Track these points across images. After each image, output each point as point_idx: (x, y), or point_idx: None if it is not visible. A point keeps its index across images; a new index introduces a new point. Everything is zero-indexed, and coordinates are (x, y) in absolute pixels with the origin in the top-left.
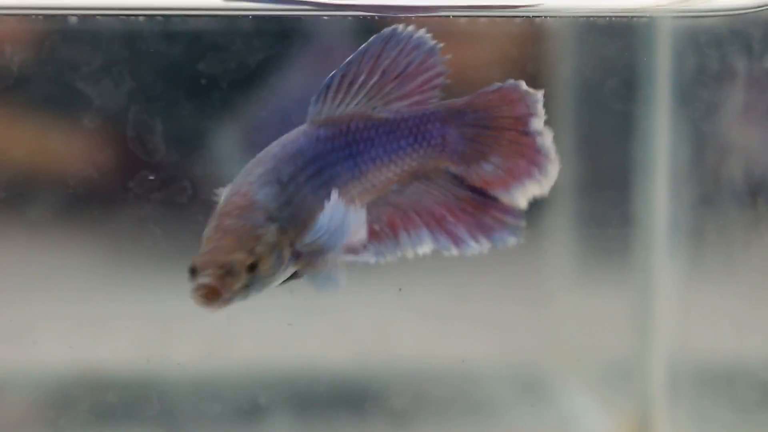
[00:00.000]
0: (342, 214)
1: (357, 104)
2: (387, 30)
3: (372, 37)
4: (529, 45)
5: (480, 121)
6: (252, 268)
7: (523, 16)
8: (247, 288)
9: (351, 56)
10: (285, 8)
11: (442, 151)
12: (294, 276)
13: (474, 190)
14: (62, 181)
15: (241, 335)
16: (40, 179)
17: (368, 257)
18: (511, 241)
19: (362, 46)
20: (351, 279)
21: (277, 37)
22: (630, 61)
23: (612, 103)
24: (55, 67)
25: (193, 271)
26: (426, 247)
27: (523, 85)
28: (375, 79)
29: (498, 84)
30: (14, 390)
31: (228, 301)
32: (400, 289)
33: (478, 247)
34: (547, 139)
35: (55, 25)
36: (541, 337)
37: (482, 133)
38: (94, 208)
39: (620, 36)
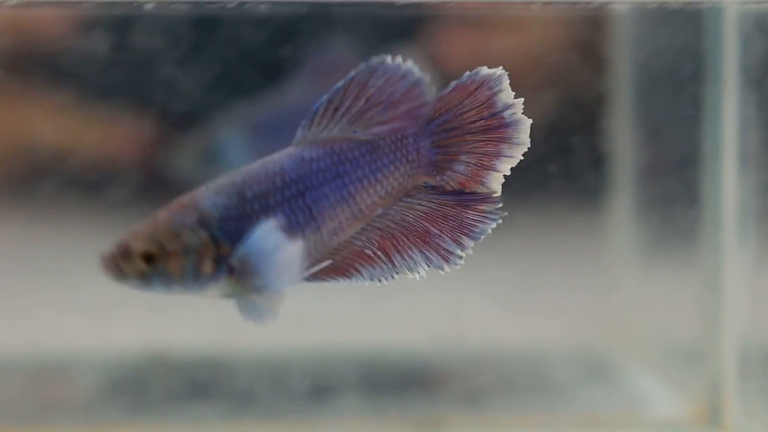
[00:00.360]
0: (274, 241)
1: (340, 129)
2: (375, 59)
3: (360, 65)
4: (598, 30)
5: (446, 124)
6: (149, 259)
7: (595, 3)
8: (146, 277)
9: (339, 83)
10: None
11: (419, 165)
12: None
13: (452, 193)
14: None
15: (315, 317)
16: (116, 165)
17: (363, 281)
18: (492, 227)
19: (350, 73)
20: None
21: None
22: (699, 46)
23: (681, 87)
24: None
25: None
26: (421, 269)
27: (483, 70)
28: (359, 105)
29: (454, 82)
30: (91, 371)
31: (123, 280)
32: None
33: (463, 252)
34: (515, 109)
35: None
36: (610, 321)
37: (449, 135)
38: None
39: (689, 21)
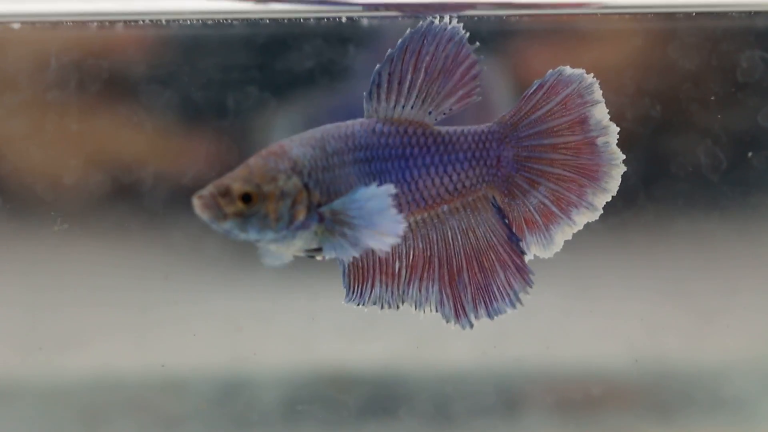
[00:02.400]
0: (383, 205)
1: (412, 107)
2: (423, 24)
3: (408, 32)
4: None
5: (534, 136)
6: (247, 198)
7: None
8: (244, 219)
9: (391, 52)
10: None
11: (496, 174)
12: (318, 250)
13: (510, 233)
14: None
15: (395, 329)
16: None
17: (368, 298)
18: (507, 310)
19: (400, 41)
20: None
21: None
22: None
23: None
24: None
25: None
26: (428, 309)
27: (567, 70)
28: (421, 77)
29: (537, 81)
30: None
31: (221, 222)
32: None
33: (473, 320)
34: (609, 137)
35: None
36: None
37: (535, 153)
38: None
39: None
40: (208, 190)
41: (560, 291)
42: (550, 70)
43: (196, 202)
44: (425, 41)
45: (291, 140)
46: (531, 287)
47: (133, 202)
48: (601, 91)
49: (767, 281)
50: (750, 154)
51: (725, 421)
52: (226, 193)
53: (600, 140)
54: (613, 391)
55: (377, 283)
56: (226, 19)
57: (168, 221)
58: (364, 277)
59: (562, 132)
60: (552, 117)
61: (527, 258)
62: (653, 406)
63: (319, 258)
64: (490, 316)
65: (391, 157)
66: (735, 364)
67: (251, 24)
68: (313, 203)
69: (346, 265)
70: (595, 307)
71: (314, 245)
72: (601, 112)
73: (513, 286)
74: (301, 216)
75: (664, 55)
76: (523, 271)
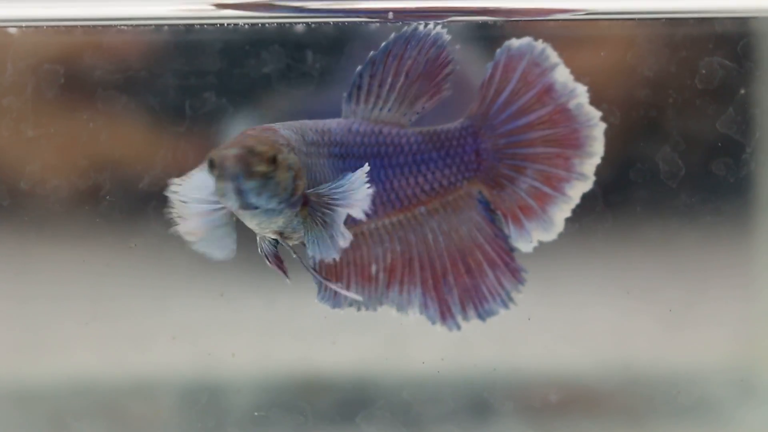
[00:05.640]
0: (360, 183)
1: (390, 109)
2: (408, 29)
3: (393, 36)
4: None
5: (507, 121)
6: (273, 160)
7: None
8: (266, 180)
9: (373, 54)
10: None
11: (477, 169)
12: (283, 237)
13: (500, 230)
14: None
15: (480, 335)
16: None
17: (345, 305)
18: (499, 311)
19: (384, 44)
20: (583, 281)
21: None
22: None
23: None
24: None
25: (212, 162)
26: (411, 312)
27: (514, 42)
28: (401, 81)
29: (489, 65)
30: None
31: (247, 179)
32: None
33: (462, 322)
34: (579, 98)
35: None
36: (758, 333)
37: (513, 138)
38: None
39: None
40: (234, 149)
41: (526, 297)
42: (498, 50)
43: (227, 155)
44: (409, 46)
45: (274, 124)
46: (523, 285)
47: (97, 208)
48: (556, 53)
49: (733, 285)
50: (710, 160)
51: (692, 426)
52: (255, 152)
53: (572, 104)
54: (579, 397)
55: (353, 285)
56: (187, 25)
57: (130, 226)
58: (337, 278)
59: (532, 107)
60: (518, 96)
61: (531, 246)
62: (620, 412)
63: (285, 244)
64: (481, 317)
65: (366, 156)
66: (702, 370)
67: (212, 30)
68: (305, 185)
69: (317, 262)
70: (560, 313)
71: (289, 229)
72: (563, 74)
73: (504, 286)
74: (301, 190)
75: (623, 61)
76: (513, 270)
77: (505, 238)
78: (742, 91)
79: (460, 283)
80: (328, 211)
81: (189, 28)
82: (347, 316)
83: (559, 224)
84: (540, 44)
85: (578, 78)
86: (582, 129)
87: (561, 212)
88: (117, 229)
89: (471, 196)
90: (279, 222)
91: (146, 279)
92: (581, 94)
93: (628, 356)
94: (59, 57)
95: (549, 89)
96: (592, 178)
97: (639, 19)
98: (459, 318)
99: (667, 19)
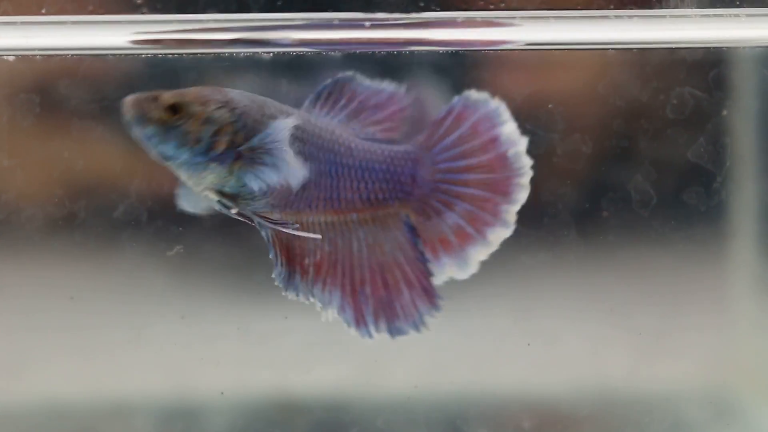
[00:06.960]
0: (284, 127)
1: (339, 120)
2: (346, 74)
3: (339, 75)
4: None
5: (448, 159)
6: (173, 109)
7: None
8: (165, 129)
9: (342, 75)
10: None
11: (410, 193)
12: (233, 199)
13: (421, 254)
14: None
15: (454, 360)
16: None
17: (293, 290)
18: (409, 332)
19: (351, 72)
20: (557, 307)
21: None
22: None
23: None
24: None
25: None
26: (331, 313)
27: (473, 95)
28: (354, 104)
29: (445, 107)
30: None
31: (142, 125)
32: None
33: (374, 334)
34: (520, 147)
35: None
36: (730, 357)
37: (449, 176)
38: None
39: None
40: (134, 96)
41: (501, 321)
42: (456, 96)
43: (126, 100)
44: (357, 84)
45: (233, 89)
46: (438, 312)
47: (70, 227)
48: (509, 112)
49: (704, 311)
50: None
51: None
52: (154, 99)
53: (510, 152)
54: (554, 422)
55: (296, 270)
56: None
57: (106, 248)
58: (288, 258)
59: (475, 153)
60: (464, 141)
61: (442, 280)
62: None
63: (234, 212)
64: (391, 334)
65: (323, 147)
66: (677, 391)
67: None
68: (235, 142)
69: (270, 237)
70: (535, 339)
71: (226, 188)
72: (510, 129)
73: (418, 308)
74: (221, 147)
75: (594, 90)
76: (430, 295)
77: (426, 263)
78: (713, 121)
79: (377, 296)
80: (267, 158)
81: (164, 57)
82: (323, 343)
83: (473, 265)
84: (495, 102)
85: (549, 107)
86: (514, 177)
87: (478, 254)
88: (92, 257)
89: (399, 218)
90: (209, 178)
91: (120, 306)
92: (522, 143)
93: (602, 381)
94: (35, 86)
95: (494, 140)
96: (513, 226)
97: (611, 49)
98: (372, 329)
99: (638, 48)
